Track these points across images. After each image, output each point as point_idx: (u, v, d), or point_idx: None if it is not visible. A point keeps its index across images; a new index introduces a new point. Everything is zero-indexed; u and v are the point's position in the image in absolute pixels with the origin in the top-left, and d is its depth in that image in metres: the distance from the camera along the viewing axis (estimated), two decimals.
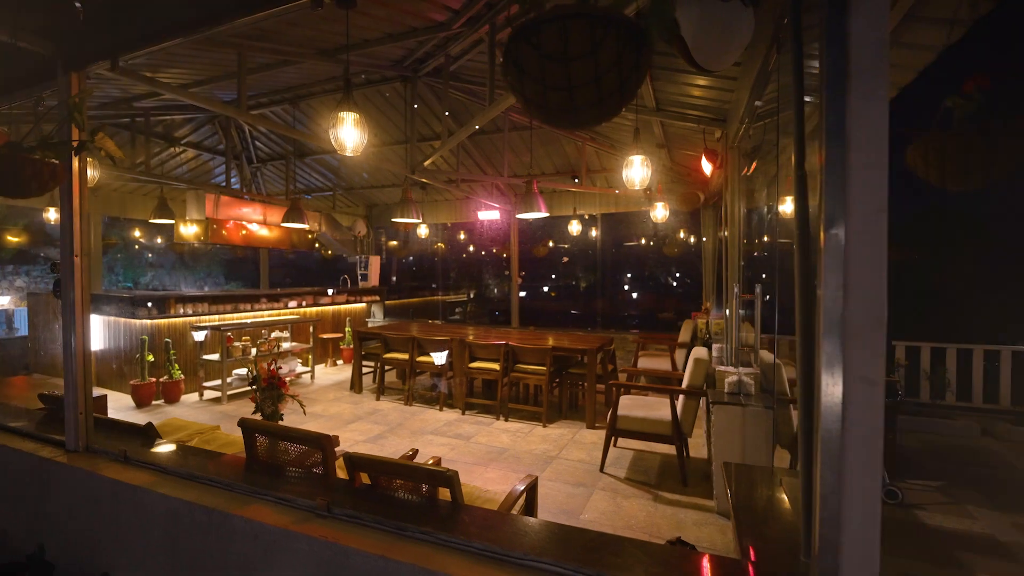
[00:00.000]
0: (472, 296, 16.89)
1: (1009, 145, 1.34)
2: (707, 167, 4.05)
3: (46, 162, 1.77)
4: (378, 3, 2.93)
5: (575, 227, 6.99)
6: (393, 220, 5.65)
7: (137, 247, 17.71)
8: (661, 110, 4.20)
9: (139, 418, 4.53)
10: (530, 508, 2.33)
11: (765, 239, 3.64)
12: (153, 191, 7.56)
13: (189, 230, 6.97)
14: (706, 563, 1.37)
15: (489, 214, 7.99)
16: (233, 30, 2.96)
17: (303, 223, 6.17)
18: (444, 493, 1.74)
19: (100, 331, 6.22)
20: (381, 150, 6.97)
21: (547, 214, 4.62)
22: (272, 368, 2.83)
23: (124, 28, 2.07)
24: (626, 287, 18.58)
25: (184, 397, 5.89)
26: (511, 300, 8.06)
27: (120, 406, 5.36)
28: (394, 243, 10.82)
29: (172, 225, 6.99)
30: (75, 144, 1.97)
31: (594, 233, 8.19)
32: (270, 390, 2.75)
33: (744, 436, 3.07)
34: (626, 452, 4.30)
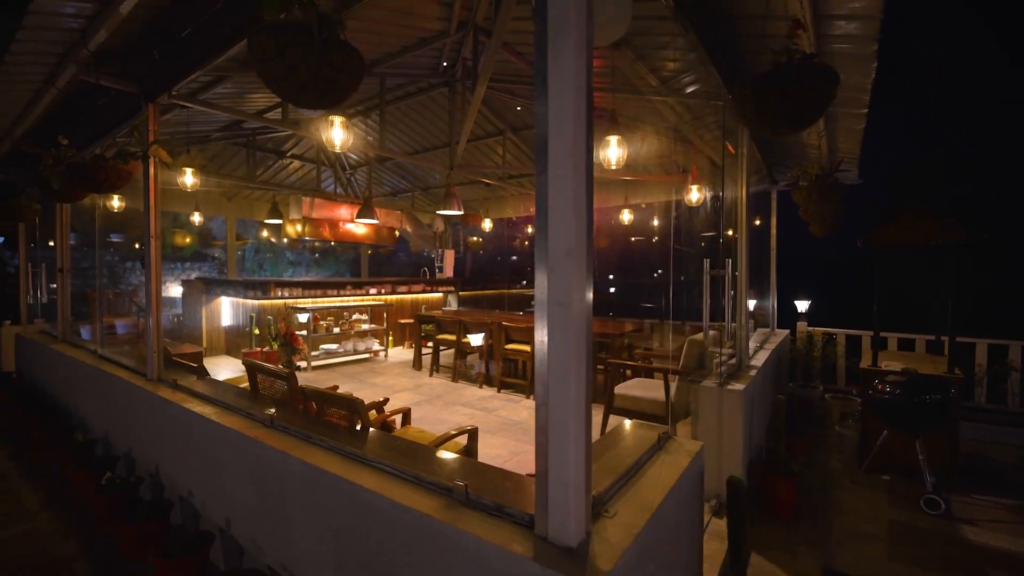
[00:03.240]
0: None
1: (798, 95, 1.35)
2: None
3: (112, 167, 2.54)
4: (379, 22, 3.44)
5: (626, 216, 6.95)
6: (438, 212, 6.21)
7: (270, 245, 20.98)
8: (676, 90, 4.12)
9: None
10: (469, 452, 2.63)
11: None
12: (271, 197, 9.15)
13: (293, 228, 8.33)
14: (498, 475, 1.58)
15: None
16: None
17: (374, 219, 7.03)
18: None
19: (228, 310, 7.77)
20: (443, 152, 7.62)
21: None
22: (289, 328, 3.49)
23: (170, 67, 2.82)
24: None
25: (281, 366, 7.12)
26: None
27: (234, 369, 6.69)
28: (474, 239, 11.54)
29: (281, 225, 8.41)
30: (138, 153, 2.73)
31: (656, 222, 8.01)
32: (286, 345, 3.41)
33: (720, 414, 2.99)
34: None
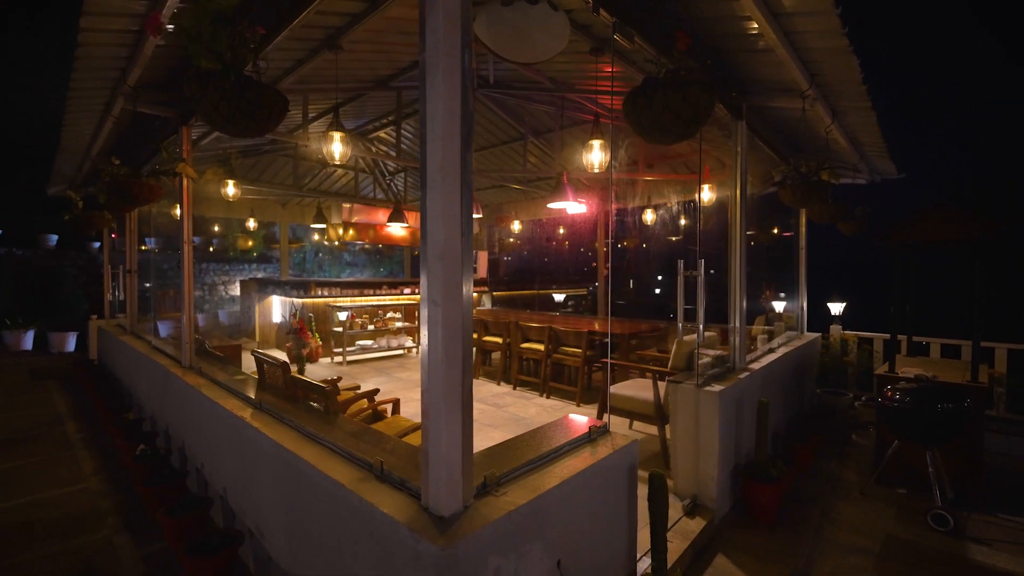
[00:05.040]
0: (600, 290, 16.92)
1: (672, 106, 1.43)
2: None
3: (145, 183, 2.97)
4: (380, 43, 3.73)
5: (649, 216, 6.88)
6: None
7: (328, 248, 22.12)
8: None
9: None
10: None
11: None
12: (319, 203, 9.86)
13: (335, 232, 8.94)
14: (399, 443, 1.75)
15: (577, 207, 8.26)
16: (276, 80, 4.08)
17: (405, 223, 7.42)
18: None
19: (277, 307, 8.48)
20: (476, 155, 7.89)
21: (574, 202, 4.87)
22: (300, 322, 3.86)
23: None
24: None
25: (322, 359, 7.68)
26: (598, 291, 8.23)
27: None
28: (510, 239, 11.76)
29: (325, 229, 9.05)
30: (169, 170, 3.16)
31: (683, 222, 7.84)
32: (297, 338, 3.77)
33: (697, 415, 3.00)
34: (635, 435, 4.31)
